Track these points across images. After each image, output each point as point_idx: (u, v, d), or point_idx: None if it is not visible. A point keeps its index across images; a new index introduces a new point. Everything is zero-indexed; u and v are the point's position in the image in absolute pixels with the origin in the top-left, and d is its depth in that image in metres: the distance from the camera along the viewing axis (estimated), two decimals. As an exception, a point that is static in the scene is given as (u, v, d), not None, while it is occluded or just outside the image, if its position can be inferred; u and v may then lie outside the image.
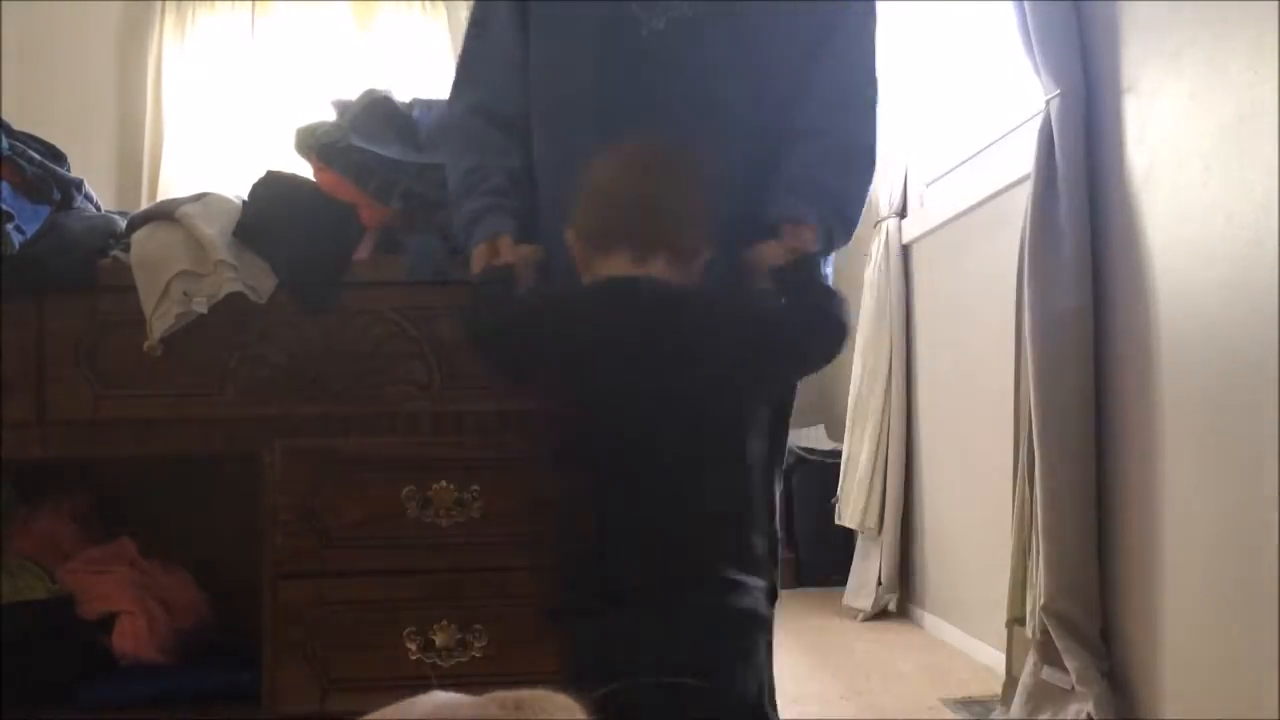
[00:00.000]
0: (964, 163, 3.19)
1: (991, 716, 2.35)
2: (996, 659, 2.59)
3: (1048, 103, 2.18)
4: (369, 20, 4.53)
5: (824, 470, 4.00)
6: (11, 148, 1.80)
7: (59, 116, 3.37)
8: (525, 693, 0.63)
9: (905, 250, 3.58)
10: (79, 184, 1.91)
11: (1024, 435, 2.22)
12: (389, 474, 1.78)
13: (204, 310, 1.74)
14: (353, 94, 1.95)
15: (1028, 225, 2.20)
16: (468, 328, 1.63)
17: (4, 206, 1.72)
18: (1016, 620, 2.28)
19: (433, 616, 1.77)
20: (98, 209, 1.98)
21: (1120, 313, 2.09)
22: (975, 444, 2.96)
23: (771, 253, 1.50)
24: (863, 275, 3.65)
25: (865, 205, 1.65)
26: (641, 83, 1.56)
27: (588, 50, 1.59)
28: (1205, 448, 1.84)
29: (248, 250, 1.79)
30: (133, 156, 4.40)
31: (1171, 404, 1.93)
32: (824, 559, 4.02)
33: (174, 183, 4.25)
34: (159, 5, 4.43)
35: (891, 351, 3.55)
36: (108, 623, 1.89)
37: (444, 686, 0.65)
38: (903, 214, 3.60)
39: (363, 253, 1.84)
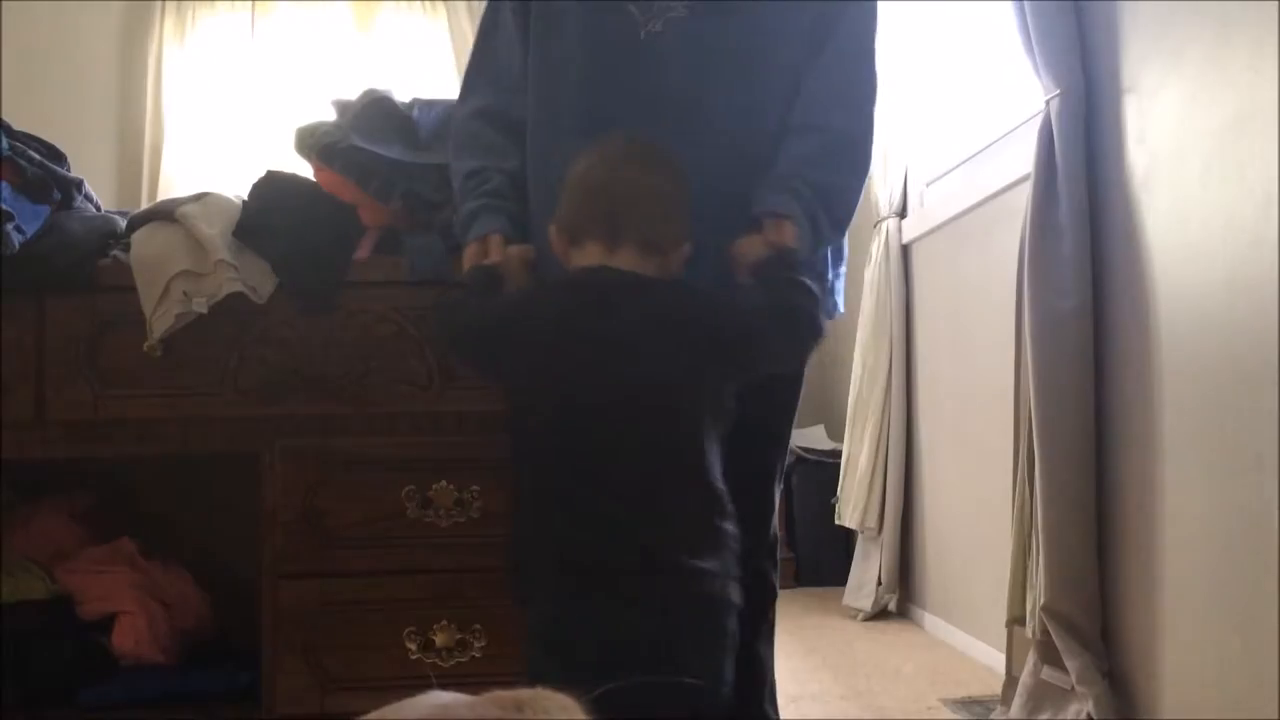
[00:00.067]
0: (964, 163, 3.19)
1: (991, 716, 2.35)
2: (996, 659, 2.59)
3: (1048, 103, 2.18)
4: (369, 20, 4.54)
5: (824, 470, 4.00)
6: (11, 148, 1.80)
7: (59, 116, 3.37)
8: (524, 692, 0.63)
9: (905, 250, 3.58)
10: (79, 184, 1.91)
11: (1024, 435, 2.22)
12: (389, 474, 1.78)
13: (204, 310, 1.74)
14: (353, 94, 1.95)
15: (1028, 225, 2.20)
16: (438, 325, 1.67)
17: (4, 206, 1.72)
18: (1016, 620, 2.28)
19: (433, 616, 1.77)
20: (98, 209, 1.98)
21: (1120, 313, 2.09)
22: (975, 444, 2.96)
23: (751, 246, 1.50)
24: (863, 275, 3.65)
25: (860, 203, 1.65)
26: (639, 84, 1.57)
27: (585, 51, 1.59)
28: (1205, 448, 1.84)
29: (248, 250, 1.79)
30: (133, 156, 4.40)
31: (1171, 404, 1.93)
32: (824, 559, 4.02)
33: (174, 183, 4.26)
34: (159, 6, 4.43)
35: (891, 351, 3.55)
36: (108, 623, 1.89)
37: (444, 686, 0.65)
38: (903, 214, 3.60)
39: (363, 253, 1.84)
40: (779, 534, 1.75)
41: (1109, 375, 2.13)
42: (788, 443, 1.77)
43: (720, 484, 1.41)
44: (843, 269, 1.73)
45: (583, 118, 1.58)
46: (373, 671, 1.75)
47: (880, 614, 3.52)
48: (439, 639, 1.77)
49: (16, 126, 1.88)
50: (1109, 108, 2.11)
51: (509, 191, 1.64)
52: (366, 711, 0.62)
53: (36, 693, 1.84)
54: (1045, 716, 2.13)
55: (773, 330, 1.45)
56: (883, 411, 3.55)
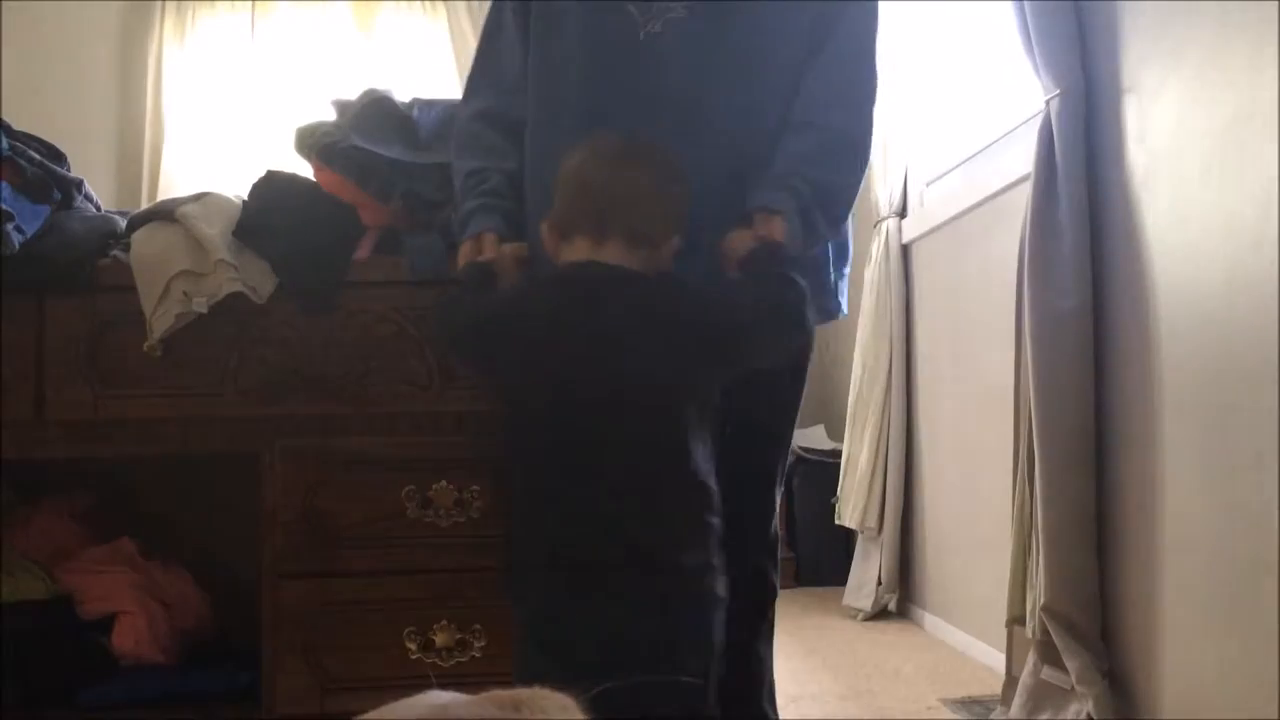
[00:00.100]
0: (964, 162, 3.19)
1: (991, 716, 2.35)
2: (996, 659, 2.59)
3: (1048, 103, 2.18)
4: (369, 21, 4.53)
5: (824, 470, 4.00)
6: (11, 148, 1.80)
7: (59, 116, 3.36)
8: (523, 691, 0.63)
9: (905, 250, 3.58)
10: (79, 184, 1.91)
11: (1024, 435, 2.22)
12: (389, 474, 1.78)
13: (204, 310, 1.74)
14: (353, 94, 1.95)
15: (1028, 225, 2.20)
16: (437, 324, 1.67)
17: (4, 206, 1.72)
18: (1016, 620, 2.28)
19: (432, 616, 1.77)
20: (98, 209, 1.98)
21: (1120, 312, 2.09)
22: (975, 444, 2.95)
23: (739, 240, 1.50)
24: (863, 275, 3.65)
25: (857, 200, 1.65)
26: (639, 84, 1.57)
27: (585, 51, 1.59)
28: (1205, 448, 1.83)
29: (248, 250, 1.79)
30: (133, 156, 4.40)
31: (1171, 404, 1.93)
32: (824, 559, 4.02)
33: (174, 183, 4.25)
34: (159, 6, 4.43)
35: (891, 351, 3.55)
36: (108, 623, 1.89)
37: (444, 686, 0.65)
38: (903, 214, 3.60)
39: (363, 253, 1.84)
40: (779, 534, 1.75)
41: (1109, 375, 2.13)
42: (789, 443, 1.77)
43: (706, 478, 1.41)
44: (846, 269, 1.73)
45: (583, 118, 1.58)
46: (373, 671, 1.75)
47: (880, 614, 3.52)
48: (439, 639, 1.77)
49: (16, 126, 1.88)
50: (1109, 108, 2.11)
51: (506, 191, 1.64)
52: (366, 711, 0.62)
53: (36, 693, 1.84)
54: (1045, 716, 2.13)
55: (759, 324, 1.45)
56: (883, 411, 3.55)
